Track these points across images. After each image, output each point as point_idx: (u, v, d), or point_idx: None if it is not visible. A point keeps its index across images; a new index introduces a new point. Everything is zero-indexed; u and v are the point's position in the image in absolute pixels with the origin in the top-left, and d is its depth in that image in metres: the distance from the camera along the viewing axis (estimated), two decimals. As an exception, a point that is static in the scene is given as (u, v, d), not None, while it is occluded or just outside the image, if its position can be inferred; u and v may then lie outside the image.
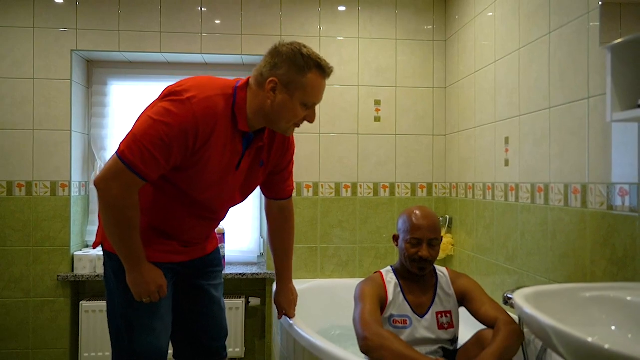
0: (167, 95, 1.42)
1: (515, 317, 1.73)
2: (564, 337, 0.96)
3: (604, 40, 1.40)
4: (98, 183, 1.39)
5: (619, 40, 1.34)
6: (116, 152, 1.37)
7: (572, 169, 1.77)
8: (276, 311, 2.03)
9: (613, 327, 1.19)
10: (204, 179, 1.50)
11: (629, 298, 1.21)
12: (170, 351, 1.71)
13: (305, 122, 1.54)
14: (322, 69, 1.47)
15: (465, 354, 1.70)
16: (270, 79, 1.44)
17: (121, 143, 1.39)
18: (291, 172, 1.80)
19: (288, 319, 1.98)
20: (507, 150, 2.25)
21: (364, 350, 1.58)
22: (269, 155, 1.65)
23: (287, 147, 1.70)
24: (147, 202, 1.51)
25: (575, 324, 0.99)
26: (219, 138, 1.45)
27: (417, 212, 1.79)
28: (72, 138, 2.81)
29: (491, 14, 2.41)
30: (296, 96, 1.46)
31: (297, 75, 1.44)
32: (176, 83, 1.46)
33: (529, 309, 1.10)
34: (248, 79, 1.52)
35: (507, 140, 2.25)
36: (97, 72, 3.04)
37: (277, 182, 1.77)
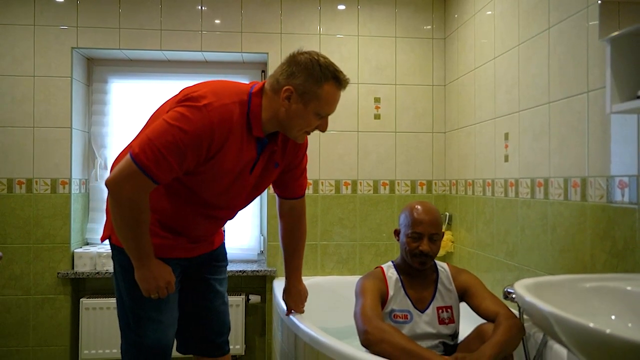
0: (183, 100, 1.41)
1: (515, 311, 1.74)
2: (565, 324, 0.97)
3: (603, 36, 1.41)
4: (110, 184, 1.38)
5: (619, 32, 1.35)
6: (130, 154, 1.36)
7: (572, 163, 1.78)
8: (276, 308, 2.03)
9: (613, 317, 1.20)
10: (217, 183, 1.50)
11: (629, 288, 1.22)
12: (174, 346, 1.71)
13: None
14: (339, 81, 1.48)
15: (465, 348, 1.70)
16: (286, 87, 1.45)
17: (134, 145, 1.38)
18: (304, 170, 1.78)
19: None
20: (506, 146, 2.26)
21: (365, 344, 1.59)
22: (283, 157, 1.65)
23: (299, 146, 1.70)
24: (158, 202, 1.52)
25: (575, 313, 0.99)
26: (234, 144, 1.45)
27: (419, 206, 1.80)
28: (72, 135, 2.81)
29: (490, 12, 2.42)
30: (311, 106, 1.46)
31: (313, 86, 1.44)
32: (192, 87, 1.46)
33: (529, 297, 1.10)
34: (263, 84, 1.52)
35: (506, 136, 2.26)
36: (97, 69, 3.05)
37: (288, 180, 1.76)
